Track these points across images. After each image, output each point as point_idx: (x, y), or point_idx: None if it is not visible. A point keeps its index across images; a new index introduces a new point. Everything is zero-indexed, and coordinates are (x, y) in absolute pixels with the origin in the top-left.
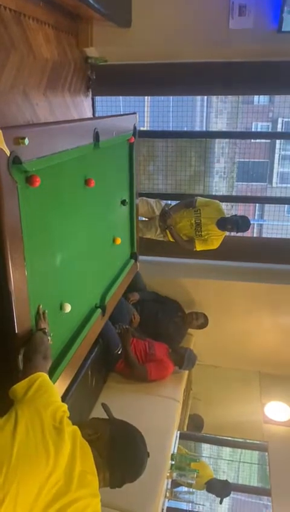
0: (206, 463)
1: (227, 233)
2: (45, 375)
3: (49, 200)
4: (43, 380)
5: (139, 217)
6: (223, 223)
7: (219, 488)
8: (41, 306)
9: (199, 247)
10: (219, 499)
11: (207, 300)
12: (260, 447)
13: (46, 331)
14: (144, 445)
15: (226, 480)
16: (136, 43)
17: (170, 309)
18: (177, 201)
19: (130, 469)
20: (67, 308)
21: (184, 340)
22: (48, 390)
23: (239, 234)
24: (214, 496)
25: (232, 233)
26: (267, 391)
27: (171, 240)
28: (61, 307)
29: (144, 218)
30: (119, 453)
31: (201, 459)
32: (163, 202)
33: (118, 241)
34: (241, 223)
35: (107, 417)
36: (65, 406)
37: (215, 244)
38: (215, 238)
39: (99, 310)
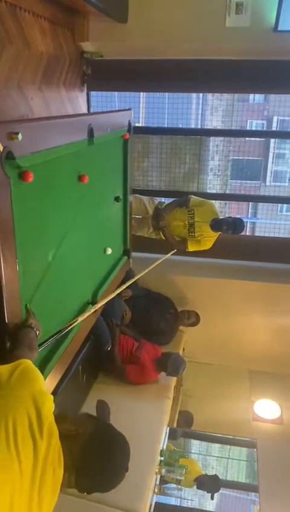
0: (194, 460)
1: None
2: (29, 362)
3: (42, 196)
4: (26, 366)
5: (133, 215)
6: (218, 225)
7: (209, 484)
8: (29, 305)
9: (191, 247)
10: (210, 494)
11: (199, 298)
12: (248, 444)
13: (33, 325)
14: (122, 458)
15: (215, 475)
16: (132, 39)
17: (162, 306)
18: (171, 200)
19: (98, 478)
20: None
21: (176, 336)
22: (30, 376)
23: None
24: (203, 491)
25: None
26: (256, 389)
27: (164, 238)
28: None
29: (137, 216)
30: (90, 457)
31: (190, 456)
32: (156, 200)
33: (109, 251)
34: (237, 225)
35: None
36: (47, 394)
37: (207, 245)
38: (208, 239)
39: (91, 306)
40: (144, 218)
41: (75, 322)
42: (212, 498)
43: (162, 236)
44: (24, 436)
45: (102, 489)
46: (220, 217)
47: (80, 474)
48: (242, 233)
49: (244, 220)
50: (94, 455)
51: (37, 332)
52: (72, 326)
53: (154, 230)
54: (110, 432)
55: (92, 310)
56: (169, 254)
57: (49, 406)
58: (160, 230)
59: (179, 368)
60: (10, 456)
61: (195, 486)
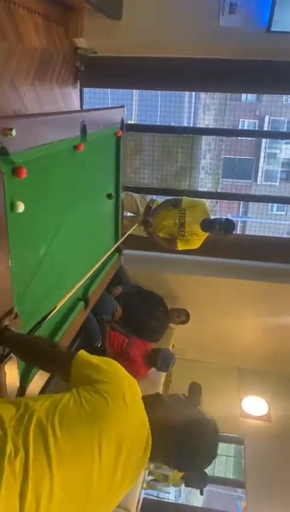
0: None
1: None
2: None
3: (35, 192)
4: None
5: (125, 213)
6: (211, 224)
7: (197, 480)
8: (15, 309)
9: (180, 246)
10: (199, 490)
11: (190, 296)
12: (236, 440)
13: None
14: (212, 444)
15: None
16: (126, 36)
17: (153, 303)
18: (163, 199)
19: (191, 464)
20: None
21: (166, 334)
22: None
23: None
24: (191, 488)
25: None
26: (245, 386)
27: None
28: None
29: (129, 214)
30: (184, 441)
31: None
32: (148, 198)
33: None
34: (229, 226)
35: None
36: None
37: (196, 245)
38: (197, 239)
39: (82, 303)
40: (136, 217)
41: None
42: (201, 493)
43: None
44: None
45: (194, 471)
46: (212, 217)
47: (169, 458)
48: (233, 232)
49: (235, 218)
50: (187, 441)
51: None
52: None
53: (145, 229)
54: (201, 418)
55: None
56: (132, 229)
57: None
58: (148, 234)
59: (169, 363)
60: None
61: (183, 485)
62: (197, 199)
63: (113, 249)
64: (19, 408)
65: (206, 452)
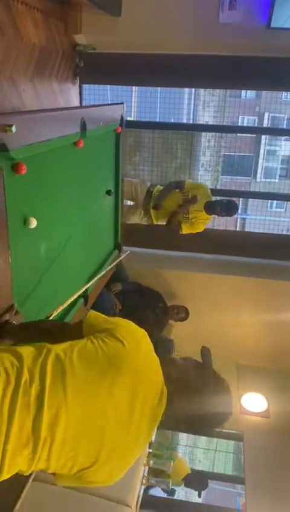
0: (183, 459)
1: (213, 217)
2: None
3: (34, 188)
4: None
5: (125, 201)
6: (212, 206)
7: (196, 482)
8: (16, 305)
9: (185, 230)
10: (197, 492)
11: (188, 292)
12: (235, 437)
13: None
14: (228, 401)
15: (202, 472)
16: (125, 33)
17: (152, 299)
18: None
19: (204, 423)
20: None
21: (165, 330)
22: None
23: (222, 227)
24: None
25: (216, 226)
26: (244, 382)
27: (155, 222)
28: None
29: (129, 203)
30: (197, 400)
31: (178, 456)
32: (148, 183)
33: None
34: (231, 206)
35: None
36: None
37: (200, 228)
38: (201, 222)
39: (81, 300)
40: (135, 204)
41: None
42: (199, 496)
43: (154, 220)
44: None
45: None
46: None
47: (182, 419)
48: (231, 229)
49: (235, 216)
50: (201, 399)
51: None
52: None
53: (145, 214)
54: (217, 376)
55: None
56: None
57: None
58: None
59: (168, 347)
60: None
61: (183, 485)
62: (199, 183)
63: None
64: (38, 348)
65: (221, 412)
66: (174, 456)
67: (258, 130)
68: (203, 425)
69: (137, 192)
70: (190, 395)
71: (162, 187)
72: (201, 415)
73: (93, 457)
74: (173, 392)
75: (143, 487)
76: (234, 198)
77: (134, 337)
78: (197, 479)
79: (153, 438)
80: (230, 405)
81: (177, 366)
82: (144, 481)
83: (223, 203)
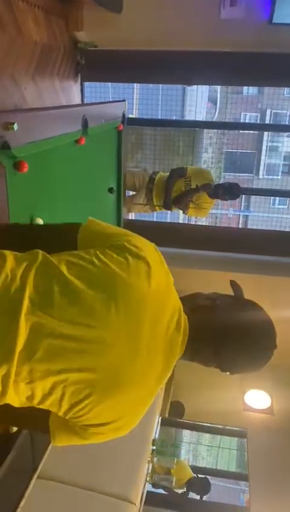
0: (185, 464)
1: (216, 201)
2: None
3: (36, 186)
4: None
5: (127, 192)
6: (215, 190)
7: (199, 486)
8: None
9: (191, 213)
10: (199, 496)
11: (190, 289)
12: (239, 434)
13: None
14: (269, 330)
15: (205, 478)
16: (126, 29)
17: None
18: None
19: (243, 353)
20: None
21: None
22: None
23: (225, 224)
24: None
25: (219, 213)
26: (247, 379)
27: (158, 209)
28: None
29: (131, 193)
30: (232, 330)
31: (181, 460)
32: (150, 171)
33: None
34: (234, 189)
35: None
36: None
37: (204, 214)
38: (204, 207)
39: None
40: (138, 193)
41: None
42: (201, 498)
43: (156, 208)
44: None
45: (248, 367)
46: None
47: (219, 348)
48: (232, 226)
49: (237, 213)
50: (236, 327)
51: None
52: None
53: (148, 200)
54: (251, 303)
55: None
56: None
57: None
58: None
59: None
60: None
61: (185, 489)
62: (201, 167)
63: None
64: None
65: (263, 348)
66: (176, 461)
67: (261, 127)
68: (245, 360)
69: (139, 180)
70: (232, 327)
71: (164, 174)
72: (242, 349)
73: (87, 382)
74: (202, 322)
75: (147, 484)
76: None
77: (149, 247)
78: (199, 484)
79: (156, 435)
80: (272, 348)
81: (210, 295)
82: (147, 478)
83: (226, 186)
